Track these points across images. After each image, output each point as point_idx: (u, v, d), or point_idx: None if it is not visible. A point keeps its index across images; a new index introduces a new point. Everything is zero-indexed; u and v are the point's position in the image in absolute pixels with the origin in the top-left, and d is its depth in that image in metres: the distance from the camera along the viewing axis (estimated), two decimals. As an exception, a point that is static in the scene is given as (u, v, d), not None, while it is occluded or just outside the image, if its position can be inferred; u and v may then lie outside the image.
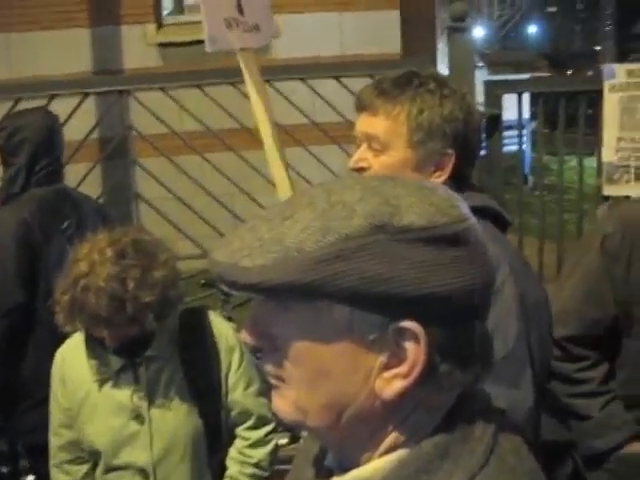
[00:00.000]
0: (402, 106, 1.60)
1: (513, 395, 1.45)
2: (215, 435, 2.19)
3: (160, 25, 8.35)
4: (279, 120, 2.48)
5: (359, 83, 1.90)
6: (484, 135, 3.50)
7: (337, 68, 4.35)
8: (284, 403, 0.88)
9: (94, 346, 2.11)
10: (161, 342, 2.10)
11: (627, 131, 3.73)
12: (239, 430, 2.25)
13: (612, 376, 2.12)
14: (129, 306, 1.92)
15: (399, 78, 1.64)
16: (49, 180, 2.93)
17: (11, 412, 2.90)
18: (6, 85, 5.01)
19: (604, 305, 2.06)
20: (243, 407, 2.22)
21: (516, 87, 4.16)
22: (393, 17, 8.23)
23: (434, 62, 4.31)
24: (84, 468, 2.22)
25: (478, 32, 26.56)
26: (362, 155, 1.65)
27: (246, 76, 2.39)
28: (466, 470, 0.83)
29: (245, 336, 0.87)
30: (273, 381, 0.88)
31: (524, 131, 8.00)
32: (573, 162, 4.73)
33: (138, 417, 2.10)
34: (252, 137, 3.20)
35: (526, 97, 4.85)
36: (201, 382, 2.15)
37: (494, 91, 3.85)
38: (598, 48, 22.67)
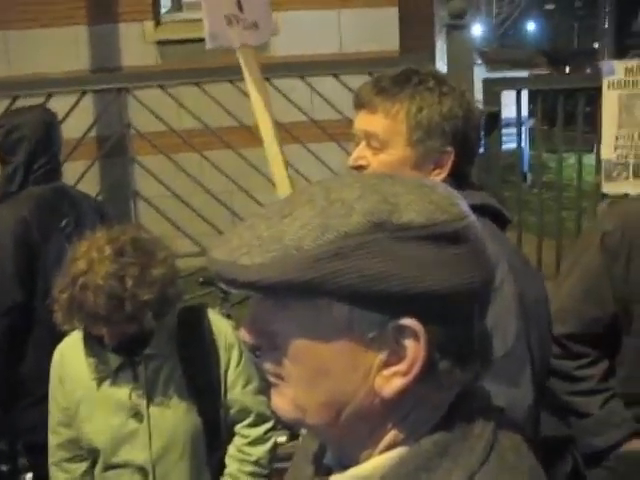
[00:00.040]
0: (401, 104, 1.59)
1: (513, 393, 1.45)
2: (214, 433, 2.19)
3: (158, 23, 8.34)
4: (277, 117, 2.48)
5: (358, 80, 1.90)
6: (483, 133, 3.50)
7: (336, 65, 4.34)
8: (283, 401, 0.87)
9: (93, 344, 2.10)
10: (160, 340, 2.10)
11: (626, 128, 3.73)
12: (238, 428, 2.25)
13: (612, 374, 2.12)
14: (128, 304, 1.92)
15: (398, 76, 1.63)
16: (47, 178, 2.92)
17: (10, 410, 2.90)
18: (4, 83, 5.02)
19: (603, 303, 2.06)
20: (242, 405, 2.22)
21: (515, 84, 4.16)
22: (391, 14, 8.23)
23: (433, 59, 4.30)
24: (83, 466, 2.21)
25: (477, 30, 26.58)
26: (361, 153, 1.64)
27: (246, 73, 2.38)
28: (465, 468, 0.83)
29: (244, 334, 0.87)
30: (272, 379, 0.88)
31: (523, 128, 8.01)
32: (572, 159, 4.75)
33: (137, 415, 2.10)
34: (251, 135, 3.21)
35: (525, 94, 4.85)
36: (200, 380, 2.15)
37: (493, 89, 3.85)
38: (596, 45, 22.66)
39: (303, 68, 4.17)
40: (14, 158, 2.87)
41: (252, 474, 2.23)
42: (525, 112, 10.11)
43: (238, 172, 4.12)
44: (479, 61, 15.98)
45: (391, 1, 8.26)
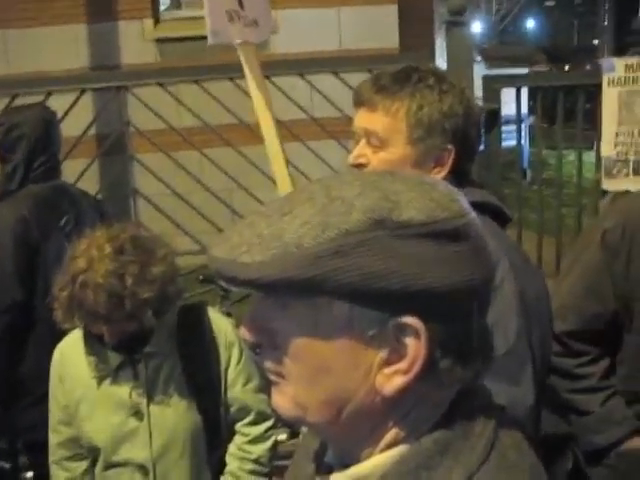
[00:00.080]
0: (401, 102, 1.59)
1: (514, 392, 1.45)
2: (214, 431, 2.19)
3: (157, 20, 8.33)
4: (277, 115, 2.47)
5: (357, 78, 1.89)
6: (482, 130, 3.50)
7: (335, 63, 4.35)
8: (283, 399, 0.87)
9: (93, 343, 2.10)
10: (160, 338, 2.09)
11: (626, 125, 3.73)
12: (238, 426, 2.25)
13: (613, 371, 2.12)
14: (128, 302, 1.91)
15: (398, 73, 1.62)
16: (47, 176, 2.92)
17: (11, 409, 2.90)
18: (3, 81, 5.01)
19: (604, 300, 2.06)
20: (242, 403, 2.22)
21: (514, 82, 4.16)
22: (391, 12, 8.21)
23: (432, 57, 4.29)
24: (83, 465, 2.22)
25: (476, 27, 26.55)
26: (361, 151, 1.64)
27: (246, 70, 2.37)
28: (466, 466, 0.83)
29: (244, 332, 0.87)
30: (272, 377, 0.88)
31: (522, 126, 8.00)
32: (572, 156, 4.75)
33: (137, 413, 2.09)
34: (250, 132, 3.21)
35: (524, 92, 4.85)
36: (200, 378, 2.14)
37: (492, 86, 3.85)
38: (596, 42, 22.64)
39: (303, 66, 4.17)
40: (14, 156, 2.87)
41: (252, 472, 2.23)
42: (525, 109, 10.11)
43: (238, 170, 4.11)
44: (479, 58, 15.95)
45: (390, -2, 8.26)
